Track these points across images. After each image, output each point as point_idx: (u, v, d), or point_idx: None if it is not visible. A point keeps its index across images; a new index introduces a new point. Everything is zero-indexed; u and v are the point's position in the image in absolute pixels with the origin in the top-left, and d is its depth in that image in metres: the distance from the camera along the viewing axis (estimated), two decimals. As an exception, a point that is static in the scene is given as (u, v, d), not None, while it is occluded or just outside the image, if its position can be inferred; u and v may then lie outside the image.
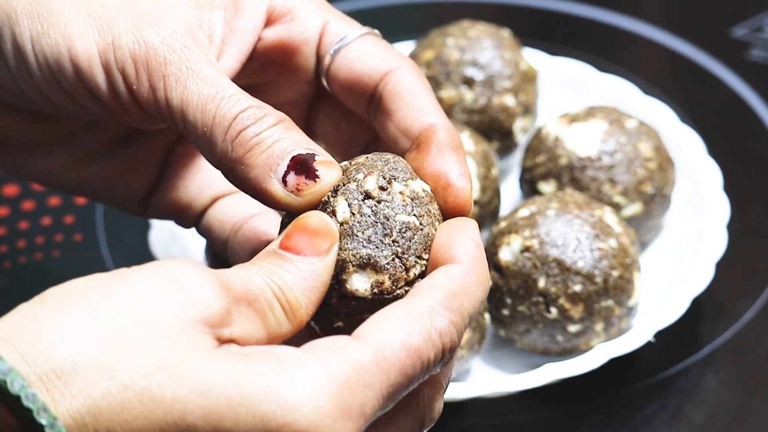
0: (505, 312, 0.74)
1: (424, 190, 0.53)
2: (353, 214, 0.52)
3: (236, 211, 0.63)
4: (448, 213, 0.54)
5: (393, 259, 0.51)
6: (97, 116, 0.59)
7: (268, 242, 0.56)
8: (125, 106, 0.57)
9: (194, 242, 0.81)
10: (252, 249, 0.61)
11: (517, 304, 0.74)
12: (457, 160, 0.55)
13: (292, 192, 0.53)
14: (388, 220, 0.51)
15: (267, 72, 0.61)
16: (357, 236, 0.51)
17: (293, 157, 0.53)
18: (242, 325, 0.48)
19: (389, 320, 0.48)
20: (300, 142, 0.53)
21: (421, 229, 0.52)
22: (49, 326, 0.45)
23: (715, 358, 0.78)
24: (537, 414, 0.76)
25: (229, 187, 0.61)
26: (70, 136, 0.63)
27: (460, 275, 0.51)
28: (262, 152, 0.53)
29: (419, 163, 0.55)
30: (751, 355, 0.79)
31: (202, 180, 0.64)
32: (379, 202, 0.52)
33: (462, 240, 0.52)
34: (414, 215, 0.52)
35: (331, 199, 0.52)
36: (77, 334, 0.45)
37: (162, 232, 0.82)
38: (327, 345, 0.48)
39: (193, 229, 0.64)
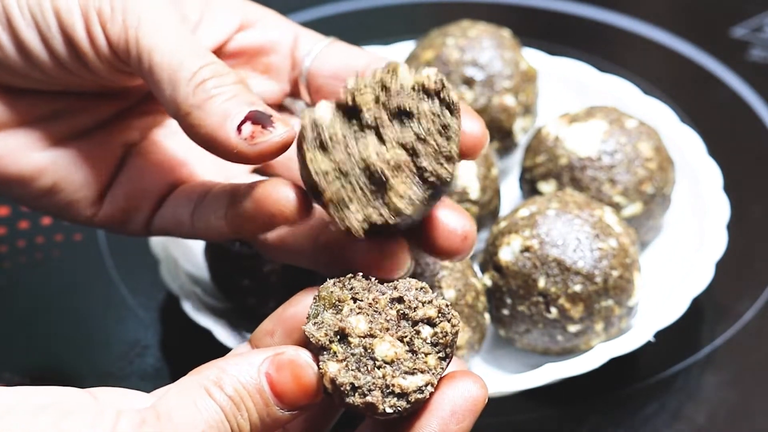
0: (505, 312, 0.74)
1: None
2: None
3: (198, 185, 0.65)
4: (464, 153, 0.58)
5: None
6: (72, 70, 0.61)
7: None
8: (97, 50, 0.60)
9: (193, 242, 0.81)
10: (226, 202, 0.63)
11: (517, 304, 0.74)
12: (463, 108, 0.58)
13: (246, 140, 0.55)
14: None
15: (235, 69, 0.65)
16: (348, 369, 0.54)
17: (250, 112, 0.56)
18: None
19: None
20: (257, 103, 0.57)
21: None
22: None
23: (715, 358, 0.78)
24: (537, 414, 0.76)
25: (185, 176, 0.65)
26: (35, 120, 0.65)
27: None
28: (223, 102, 0.56)
29: None
30: (751, 355, 0.79)
31: (158, 173, 0.66)
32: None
33: None
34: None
35: (324, 357, 0.53)
36: None
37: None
38: None
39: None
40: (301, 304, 0.56)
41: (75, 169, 0.65)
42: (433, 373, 0.54)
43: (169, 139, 0.67)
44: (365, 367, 0.53)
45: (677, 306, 0.75)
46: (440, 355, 0.54)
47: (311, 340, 0.53)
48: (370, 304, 0.54)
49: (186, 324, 0.76)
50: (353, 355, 0.53)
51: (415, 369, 0.53)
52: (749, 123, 0.97)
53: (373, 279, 0.56)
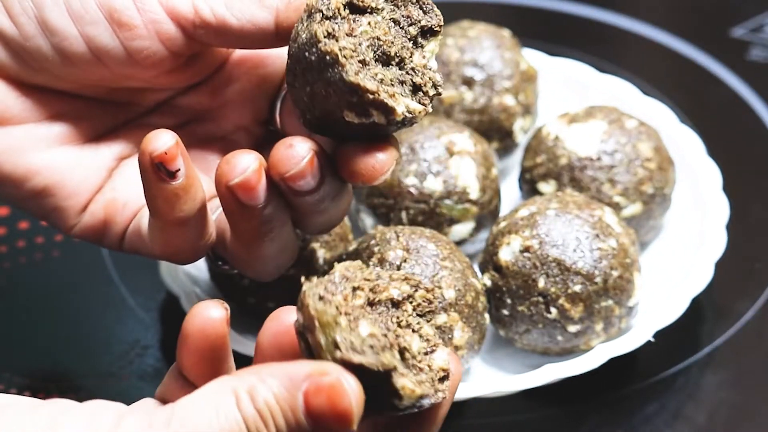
0: (505, 312, 0.74)
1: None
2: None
3: None
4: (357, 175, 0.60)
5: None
6: (109, 62, 0.62)
7: None
8: (160, 31, 0.62)
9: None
10: None
11: (517, 304, 0.74)
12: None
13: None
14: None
15: (232, 84, 0.67)
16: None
17: None
18: None
19: None
20: None
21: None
22: None
23: (715, 358, 0.78)
24: (537, 414, 0.76)
25: None
26: (39, 120, 0.65)
27: None
28: None
29: None
30: (751, 355, 0.79)
31: (139, 188, 0.65)
32: None
33: None
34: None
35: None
36: None
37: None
38: None
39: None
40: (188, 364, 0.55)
41: (69, 175, 0.65)
42: (441, 344, 0.53)
43: None
44: (416, 367, 0.52)
45: (677, 306, 0.75)
46: (432, 323, 0.54)
47: (378, 369, 0.49)
48: (342, 302, 0.51)
49: (186, 324, 0.76)
50: (403, 360, 0.51)
51: (432, 347, 0.53)
52: (749, 123, 0.97)
53: (309, 278, 0.53)
